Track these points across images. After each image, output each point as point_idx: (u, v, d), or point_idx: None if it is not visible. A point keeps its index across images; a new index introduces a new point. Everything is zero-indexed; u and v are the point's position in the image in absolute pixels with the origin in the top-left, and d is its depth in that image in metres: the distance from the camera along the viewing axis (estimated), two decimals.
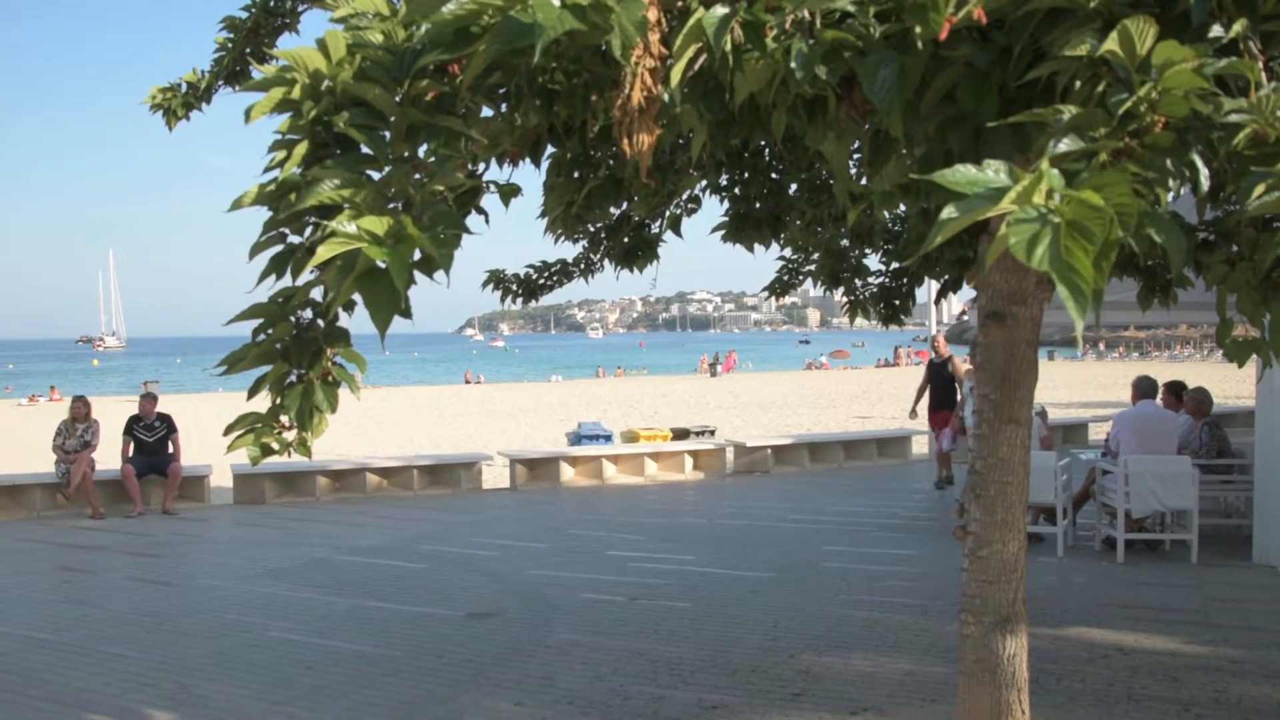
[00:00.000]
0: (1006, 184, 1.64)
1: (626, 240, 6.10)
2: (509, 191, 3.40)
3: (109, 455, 13.29)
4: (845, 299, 7.49)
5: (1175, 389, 10.56)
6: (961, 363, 13.90)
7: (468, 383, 57.95)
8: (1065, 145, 1.83)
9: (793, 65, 2.26)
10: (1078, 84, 2.16)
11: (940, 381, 14.11)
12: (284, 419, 2.99)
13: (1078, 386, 39.42)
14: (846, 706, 5.46)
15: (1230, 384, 31.68)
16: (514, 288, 6.83)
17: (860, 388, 43.11)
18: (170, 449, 12.84)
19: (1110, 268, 1.53)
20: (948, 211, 1.63)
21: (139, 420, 12.89)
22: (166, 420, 13.00)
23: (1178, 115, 1.91)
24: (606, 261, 6.33)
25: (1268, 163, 1.96)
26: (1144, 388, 9.69)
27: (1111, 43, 1.90)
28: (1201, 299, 5.88)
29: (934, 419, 14.11)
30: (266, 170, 2.41)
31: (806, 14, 2.29)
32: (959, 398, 13.55)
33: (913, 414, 15.15)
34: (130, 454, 12.66)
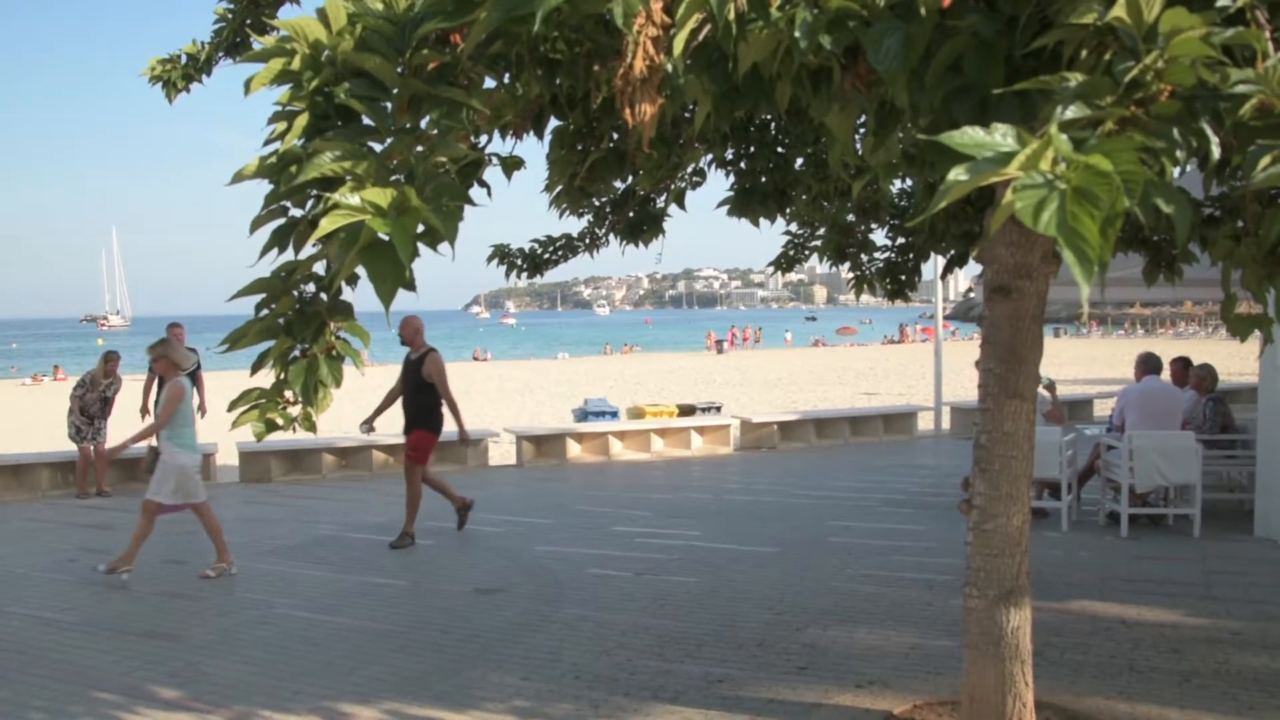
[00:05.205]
0: (1014, 148, 1.63)
1: (631, 215, 6.09)
2: (512, 164, 3.39)
3: (124, 419, 12.96)
4: (851, 274, 7.48)
5: (1184, 362, 10.56)
6: (443, 363, 9.48)
7: (475, 360, 58.04)
8: (1071, 113, 1.82)
9: (797, 34, 2.25)
10: (1084, 53, 2.14)
11: (411, 387, 9.41)
12: (288, 394, 2.98)
13: (1083, 363, 39.38)
14: (852, 680, 5.48)
15: (1235, 361, 31.63)
16: (519, 262, 6.82)
17: (866, 364, 43.09)
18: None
19: (1116, 235, 1.52)
20: (955, 174, 1.62)
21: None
22: (195, 352, 12.24)
23: (1184, 84, 1.89)
24: (612, 236, 6.31)
25: (1274, 134, 1.94)
26: (1149, 364, 9.69)
27: (1119, 9, 1.88)
28: (1206, 275, 5.87)
29: (408, 444, 9.42)
30: (267, 143, 2.40)
31: None
32: (444, 411, 9.39)
33: (367, 426, 9.99)
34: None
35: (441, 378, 9.31)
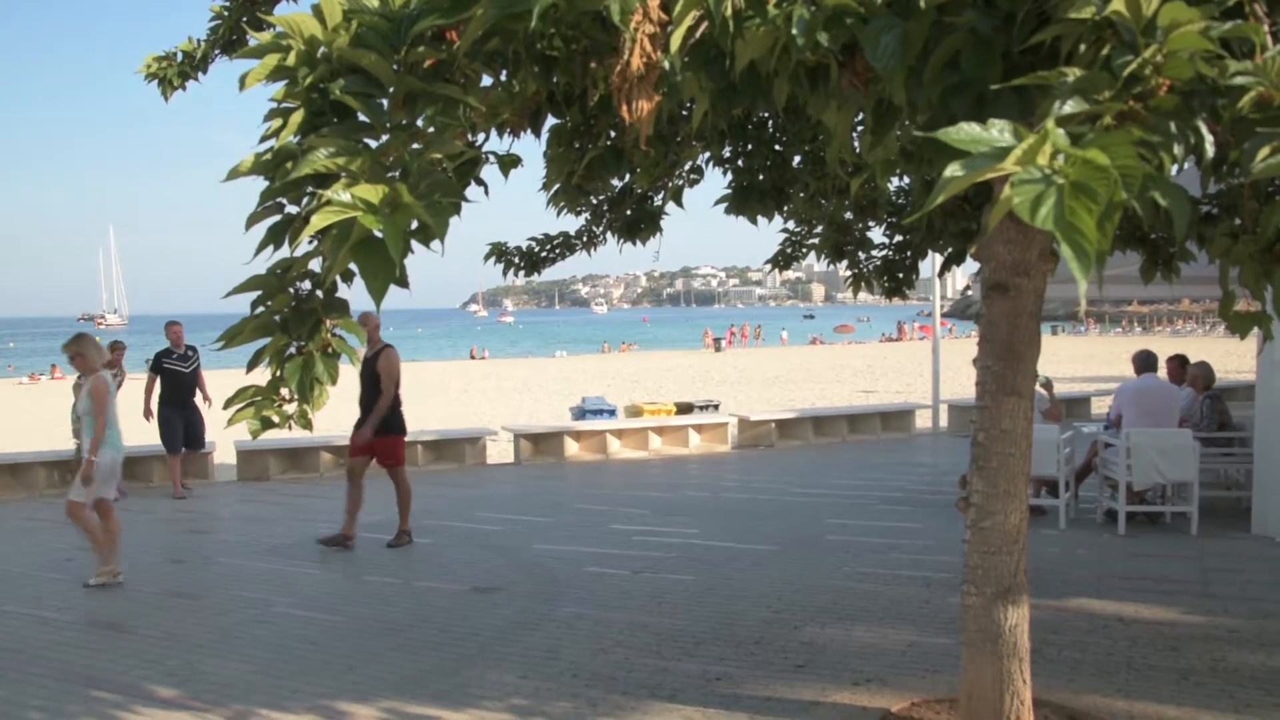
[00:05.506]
0: (1011, 143, 1.63)
1: (629, 212, 6.08)
2: (509, 162, 3.38)
3: (126, 419, 12.92)
4: (849, 272, 7.48)
5: (1181, 359, 10.57)
6: (397, 361, 9.22)
7: (473, 358, 58.06)
8: (1069, 108, 1.81)
9: (794, 32, 2.24)
10: (1082, 48, 2.13)
11: (367, 385, 9.24)
12: (284, 392, 2.97)
13: (1081, 361, 39.40)
14: (850, 678, 5.48)
15: (1232, 359, 31.66)
16: (516, 260, 6.81)
17: (864, 362, 43.11)
18: (197, 393, 12.21)
19: (1114, 229, 1.52)
20: (952, 169, 1.61)
21: (170, 353, 12.09)
22: (196, 350, 12.22)
23: (1183, 78, 1.89)
24: (609, 234, 6.30)
25: (1273, 125, 1.93)
26: (1145, 361, 9.69)
27: (1118, 3, 1.88)
28: (1204, 273, 5.87)
29: (384, 448, 9.22)
30: (263, 139, 2.39)
31: None
32: (383, 410, 9.07)
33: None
34: (157, 393, 12.00)
35: (389, 376, 9.09)
